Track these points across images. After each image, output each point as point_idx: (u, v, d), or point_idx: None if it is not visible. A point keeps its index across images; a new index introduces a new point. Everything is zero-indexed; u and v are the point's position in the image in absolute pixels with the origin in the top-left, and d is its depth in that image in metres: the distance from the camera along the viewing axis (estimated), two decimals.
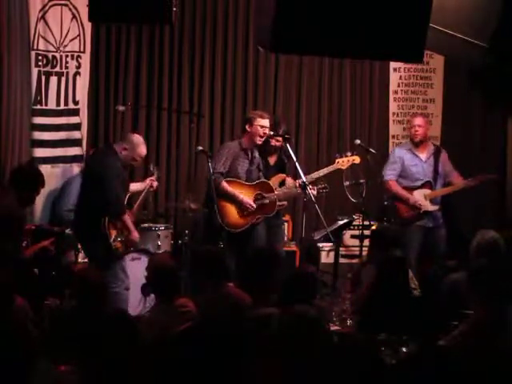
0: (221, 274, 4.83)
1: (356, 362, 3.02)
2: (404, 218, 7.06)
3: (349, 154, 6.92)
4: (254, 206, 6.60)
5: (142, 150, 6.03)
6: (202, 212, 6.80)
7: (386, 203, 7.12)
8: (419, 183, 7.13)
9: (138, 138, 6.09)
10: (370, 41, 4.56)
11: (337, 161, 6.89)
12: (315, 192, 6.63)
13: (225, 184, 6.53)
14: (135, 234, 5.98)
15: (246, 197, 6.60)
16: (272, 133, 6.77)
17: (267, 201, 6.68)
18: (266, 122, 6.63)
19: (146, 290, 4.92)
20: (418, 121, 7.29)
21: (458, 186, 7.11)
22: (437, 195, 7.10)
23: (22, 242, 5.82)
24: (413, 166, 7.16)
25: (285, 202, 7.00)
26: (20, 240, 5.69)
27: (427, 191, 7.09)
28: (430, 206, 7.07)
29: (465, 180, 7.10)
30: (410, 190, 7.12)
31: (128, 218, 5.93)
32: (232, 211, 6.60)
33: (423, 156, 7.21)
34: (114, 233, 5.86)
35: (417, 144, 7.23)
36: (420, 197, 7.08)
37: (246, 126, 6.66)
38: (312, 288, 4.58)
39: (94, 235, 5.82)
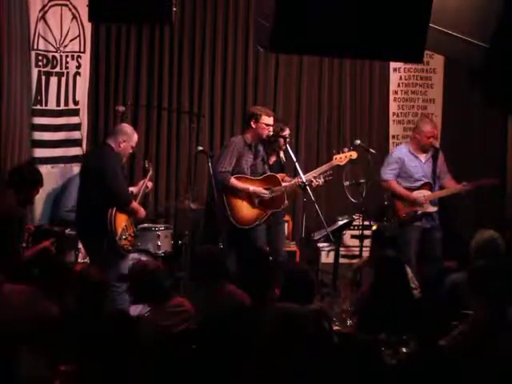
0: (221, 273, 4.83)
1: (356, 362, 3.03)
2: (402, 218, 7.04)
3: (346, 150, 6.93)
4: (267, 192, 6.64)
5: (136, 136, 6.13)
6: (204, 211, 6.80)
7: (386, 203, 7.11)
8: (419, 184, 7.10)
9: (129, 127, 6.17)
10: (370, 41, 4.56)
11: (334, 157, 6.89)
12: (321, 182, 6.73)
13: (233, 180, 6.57)
14: (142, 211, 6.11)
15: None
16: (272, 133, 6.78)
17: (277, 193, 6.70)
18: (271, 120, 6.68)
19: None
20: (434, 131, 7.09)
21: (454, 190, 7.10)
22: (434, 197, 7.09)
23: (22, 242, 5.82)
24: (413, 167, 7.11)
25: (286, 202, 7.00)
26: (20, 240, 5.69)
27: (426, 192, 7.07)
28: (429, 207, 7.06)
29: (460, 184, 7.08)
30: (410, 190, 7.09)
31: (134, 203, 6.05)
32: (243, 206, 6.63)
33: (423, 157, 7.17)
34: (119, 230, 5.87)
35: (422, 149, 7.15)
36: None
37: (251, 122, 6.67)
38: (307, 286, 4.53)
39: (99, 233, 5.82)
